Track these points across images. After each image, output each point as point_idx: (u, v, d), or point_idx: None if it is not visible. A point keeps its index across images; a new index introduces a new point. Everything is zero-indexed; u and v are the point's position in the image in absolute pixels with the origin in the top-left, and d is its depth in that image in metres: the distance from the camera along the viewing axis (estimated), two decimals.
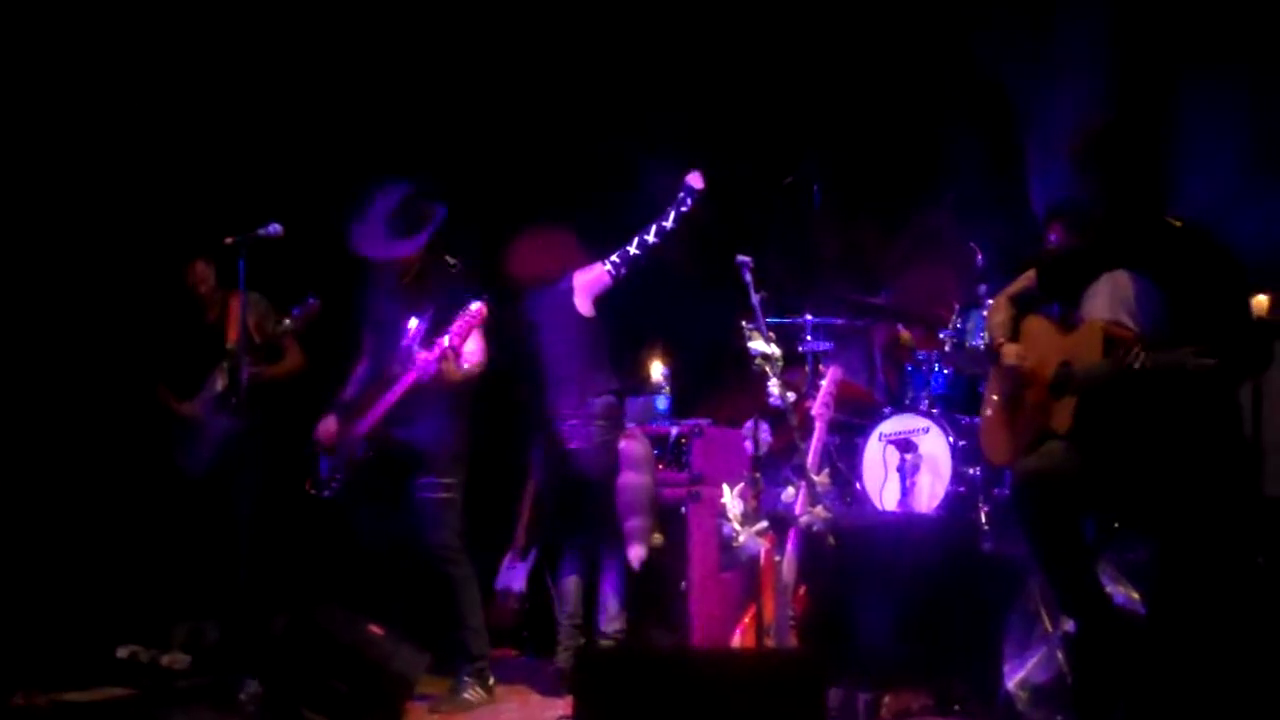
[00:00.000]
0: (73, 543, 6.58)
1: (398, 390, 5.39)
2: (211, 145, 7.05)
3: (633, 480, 5.91)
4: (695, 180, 5.94)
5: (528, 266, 5.90)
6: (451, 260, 5.62)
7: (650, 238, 5.84)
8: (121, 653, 6.15)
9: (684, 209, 5.87)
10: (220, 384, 6.22)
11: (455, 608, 5.52)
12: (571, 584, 5.92)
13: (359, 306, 5.79)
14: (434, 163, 6.24)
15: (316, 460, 5.58)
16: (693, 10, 7.53)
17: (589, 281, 5.90)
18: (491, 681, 5.58)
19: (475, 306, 5.36)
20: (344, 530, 5.75)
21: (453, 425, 5.56)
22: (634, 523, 5.88)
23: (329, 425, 5.59)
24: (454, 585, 5.51)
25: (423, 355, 5.34)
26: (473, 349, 5.47)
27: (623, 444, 5.95)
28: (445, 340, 5.30)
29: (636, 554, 5.86)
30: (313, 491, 5.55)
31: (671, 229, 5.86)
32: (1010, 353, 4.53)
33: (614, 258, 5.87)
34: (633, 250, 5.86)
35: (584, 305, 5.90)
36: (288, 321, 5.99)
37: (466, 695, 5.46)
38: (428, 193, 5.60)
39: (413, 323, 5.48)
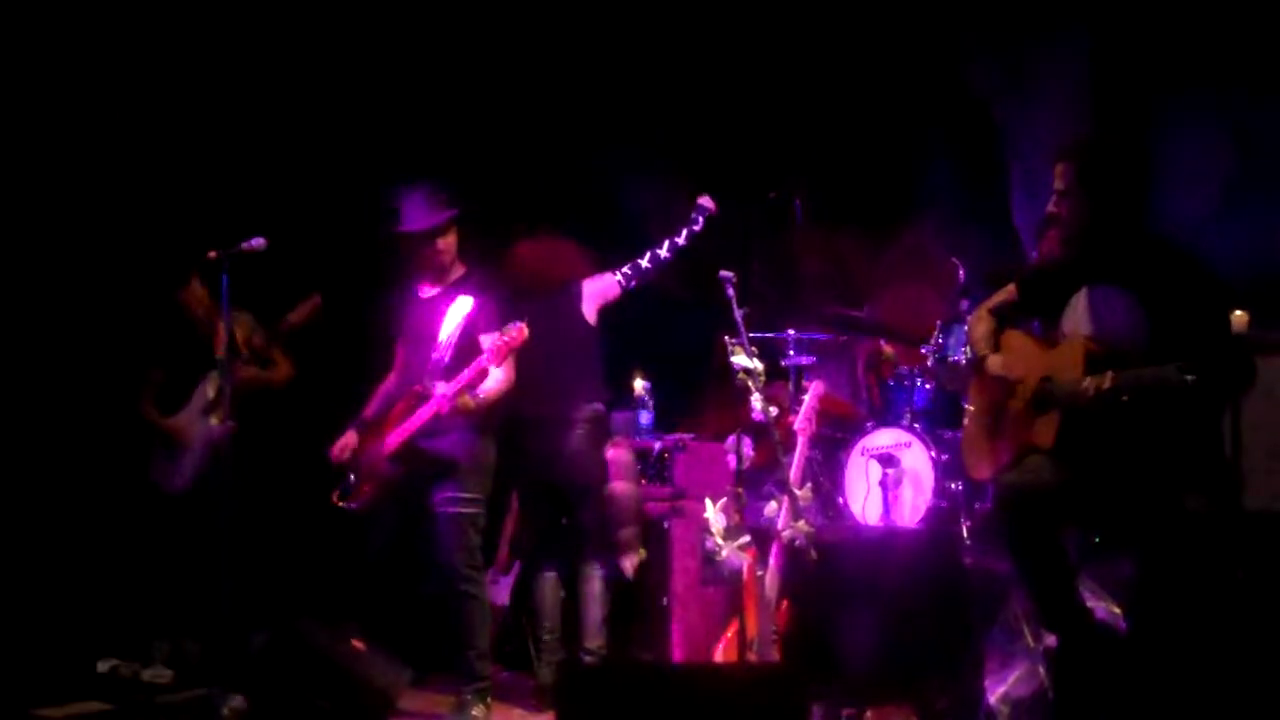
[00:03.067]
0: (54, 556, 6.54)
1: (418, 419, 5.31)
2: (198, 159, 7.03)
3: (623, 489, 5.90)
4: (707, 202, 6.11)
5: (534, 272, 5.89)
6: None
7: (663, 253, 5.93)
8: (102, 667, 6.13)
9: (696, 228, 6.02)
10: (209, 393, 6.21)
11: (464, 629, 5.42)
12: (551, 598, 5.90)
13: (394, 318, 5.73)
14: (429, 174, 6.23)
15: (344, 473, 5.51)
16: (680, 27, 7.56)
17: (599, 290, 5.91)
18: (489, 700, 5.51)
19: (515, 329, 5.29)
20: (330, 543, 5.73)
21: (479, 437, 5.47)
22: (626, 532, 5.88)
23: (346, 441, 5.53)
24: (467, 605, 5.41)
25: (440, 390, 5.26)
26: (498, 374, 5.36)
27: (611, 452, 5.95)
28: (484, 354, 5.25)
29: (630, 563, 5.86)
30: (340, 504, 5.47)
31: (683, 246, 5.97)
32: (995, 363, 4.55)
33: (625, 269, 5.91)
34: (644, 264, 5.92)
35: (590, 313, 5.90)
36: (289, 317, 6.04)
37: (473, 713, 5.39)
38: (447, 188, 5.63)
39: (443, 335, 5.39)
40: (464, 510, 5.41)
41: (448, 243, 5.57)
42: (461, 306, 5.40)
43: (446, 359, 5.36)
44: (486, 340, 5.36)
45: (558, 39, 7.54)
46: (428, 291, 5.62)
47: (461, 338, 5.39)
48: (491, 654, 5.63)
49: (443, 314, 5.45)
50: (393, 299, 5.75)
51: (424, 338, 5.50)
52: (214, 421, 6.11)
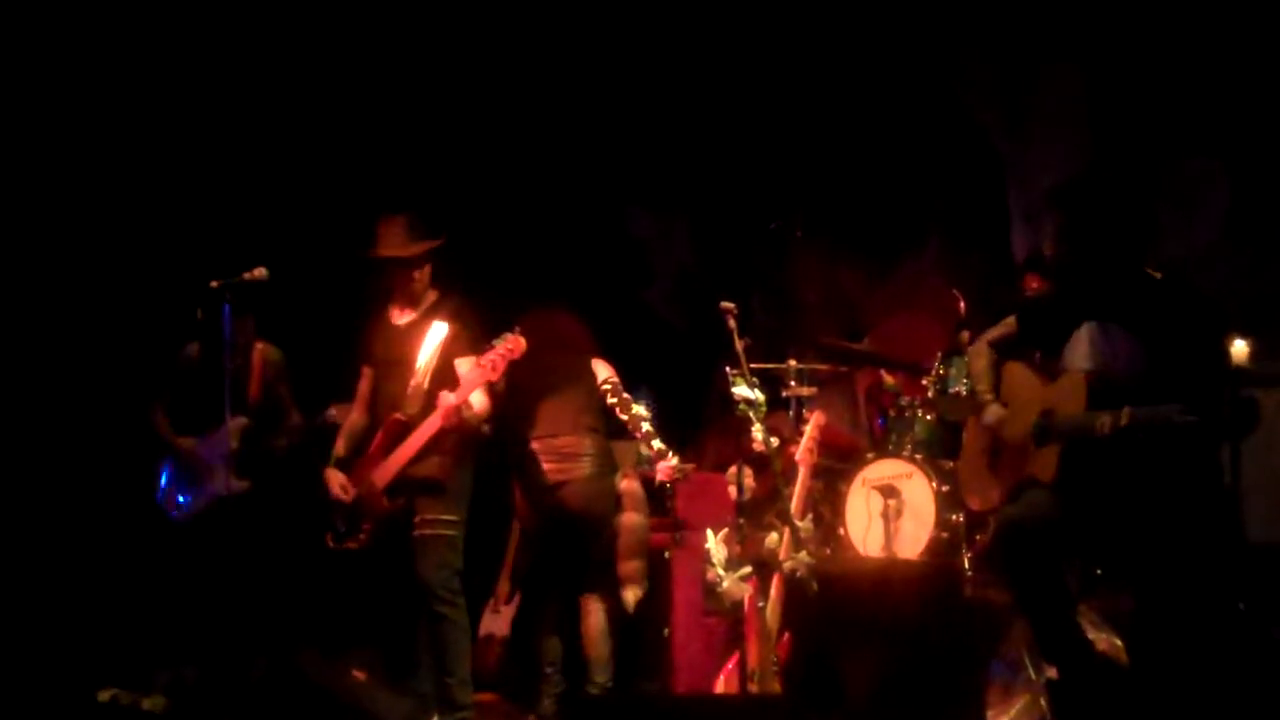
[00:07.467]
0: (55, 584, 6.54)
1: (420, 439, 5.25)
2: (212, 183, 7.08)
3: (635, 521, 5.88)
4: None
5: (550, 336, 5.83)
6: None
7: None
8: (102, 696, 6.10)
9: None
10: (233, 443, 6.09)
11: (444, 654, 5.33)
12: (553, 630, 5.88)
13: (362, 344, 5.67)
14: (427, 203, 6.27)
15: (332, 515, 5.42)
16: (681, 55, 7.59)
17: (608, 376, 5.91)
18: None
19: (512, 339, 5.25)
20: (327, 576, 5.72)
21: (463, 461, 5.44)
22: (632, 565, 5.85)
23: (342, 480, 5.42)
24: (446, 629, 5.32)
25: (447, 401, 5.19)
26: (481, 399, 5.35)
27: (624, 484, 5.94)
28: (487, 361, 5.20)
29: (634, 596, 5.83)
30: (337, 547, 5.41)
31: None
32: (993, 414, 4.56)
33: (619, 394, 5.82)
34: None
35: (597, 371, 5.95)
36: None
37: None
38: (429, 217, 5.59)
39: (421, 361, 5.32)
40: (444, 531, 5.35)
41: (424, 271, 5.52)
42: (438, 332, 5.34)
43: (425, 384, 5.31)
44: (464, 365, 5.34)
45: (556, 66, 7.57)
46: (401, 317, 5.55)
47: (439, 363, 5.33)
48: (472, 680, 5.50)
49: (418, 340, 5.38)
50: (362, 324, 5.68)
51: (398, 363, 5.43)
52: (230, 472, 6.06)
